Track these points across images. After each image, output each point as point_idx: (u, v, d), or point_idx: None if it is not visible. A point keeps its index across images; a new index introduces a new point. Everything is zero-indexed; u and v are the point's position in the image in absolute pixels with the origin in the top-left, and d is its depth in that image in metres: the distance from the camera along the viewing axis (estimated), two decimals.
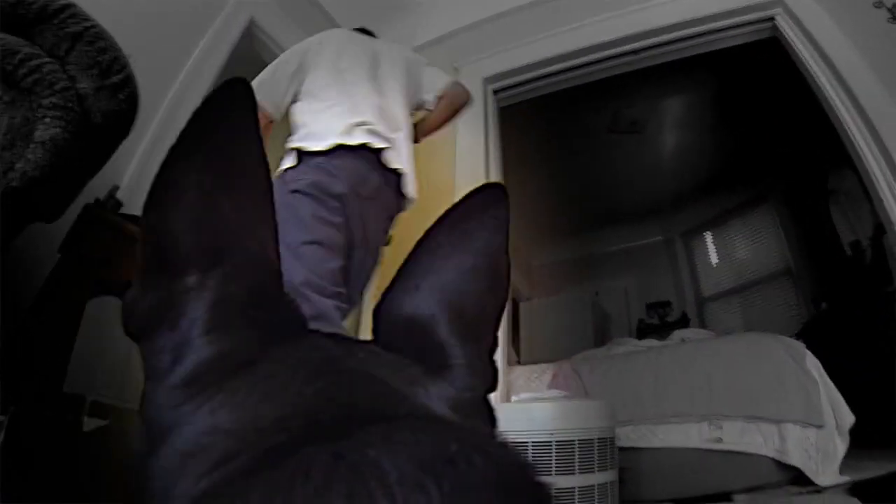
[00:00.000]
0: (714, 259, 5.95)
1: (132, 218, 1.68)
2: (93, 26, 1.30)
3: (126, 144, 1.50)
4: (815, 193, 4.66)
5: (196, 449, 0.23)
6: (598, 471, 1.80)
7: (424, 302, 0.34)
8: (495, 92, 3.13)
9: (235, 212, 0.30)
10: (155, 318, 0.28)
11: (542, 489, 0.22)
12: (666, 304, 5.80)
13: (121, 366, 2.06)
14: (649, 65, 3.03)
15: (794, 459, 2.04)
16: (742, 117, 4.58)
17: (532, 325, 5.40)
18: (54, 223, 1.39)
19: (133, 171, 2.07)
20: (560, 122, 4.45)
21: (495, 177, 2.89)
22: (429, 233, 0.36)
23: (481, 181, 2.73)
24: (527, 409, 1.94)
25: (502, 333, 2.29)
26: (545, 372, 2.89)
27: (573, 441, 1.78)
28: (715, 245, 5.98)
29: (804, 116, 3.09)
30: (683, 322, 5.49)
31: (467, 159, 2.87)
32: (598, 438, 1.83)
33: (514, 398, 2.14)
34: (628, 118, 4.64)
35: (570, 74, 3.07)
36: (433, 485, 0.18)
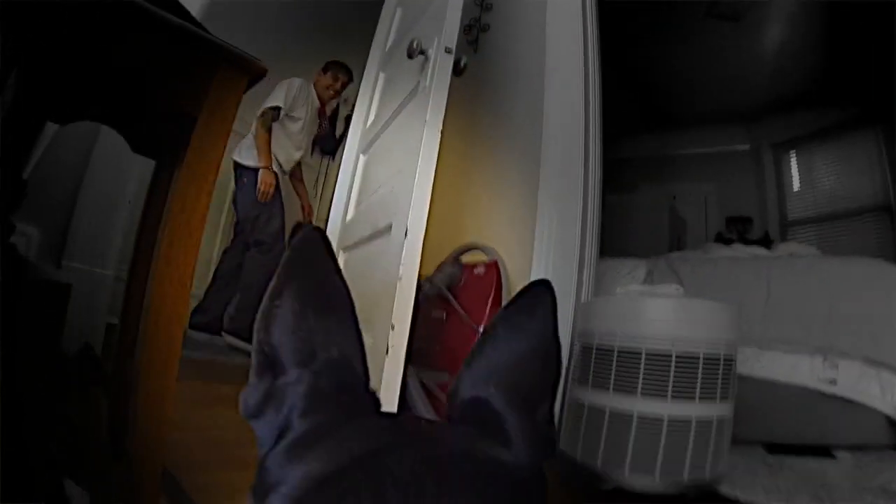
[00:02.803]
0: (798, 182, 5.46)
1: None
2: None
3: None
4: None
5: (299, 494, 0.33)
6: (720, 400, 1.45)
7: (482, 382, 0.44)
8: None
9: (320, 328, 0.41)
10: (264, 404, 0.40)
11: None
12: (747, 220, 5.32)
13: None
14: None
15: None
16: (858, 22, 4.02)
17: (606, 220, 5.15)
18: None
19: None
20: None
21: (593, 56, 2.49)
22: (489, 326, 0.46)
23: (579, 62, 2.39)
24: (639, 305, 1.55)
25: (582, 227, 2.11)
26: (637, 268, 2.62)
27: (697, 356, 1.43)
28: (807, 165, 5.46)
29: None
30: (765, 243, 5.07)
31: (561, 40, 2.48)
32: (725, 356, 1.47)
33: (619, 290, 1.75)
34: (731, 3, 4.25)
35: None
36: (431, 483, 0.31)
